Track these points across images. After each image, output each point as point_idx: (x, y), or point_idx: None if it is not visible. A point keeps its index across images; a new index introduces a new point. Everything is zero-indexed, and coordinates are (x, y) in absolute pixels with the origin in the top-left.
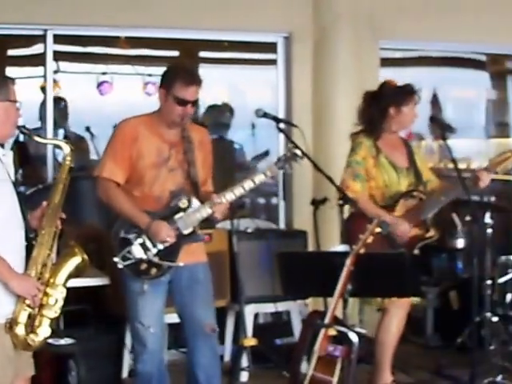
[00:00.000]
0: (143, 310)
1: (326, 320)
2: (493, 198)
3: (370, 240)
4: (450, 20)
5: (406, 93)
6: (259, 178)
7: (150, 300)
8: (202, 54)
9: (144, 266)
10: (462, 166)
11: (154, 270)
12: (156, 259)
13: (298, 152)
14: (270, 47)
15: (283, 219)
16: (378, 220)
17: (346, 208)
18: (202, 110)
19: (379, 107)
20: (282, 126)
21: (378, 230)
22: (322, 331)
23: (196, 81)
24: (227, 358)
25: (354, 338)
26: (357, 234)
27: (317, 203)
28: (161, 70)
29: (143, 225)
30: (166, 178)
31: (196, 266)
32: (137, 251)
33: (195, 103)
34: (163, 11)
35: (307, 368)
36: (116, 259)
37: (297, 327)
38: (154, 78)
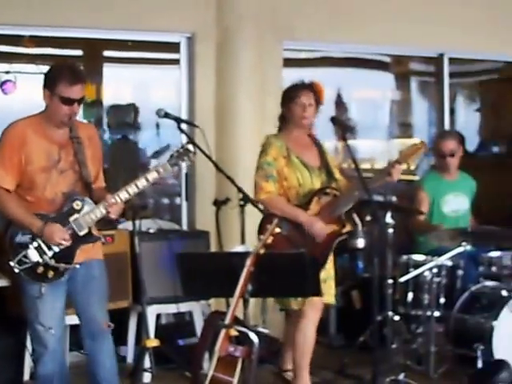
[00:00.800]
0: (43, 312)
1: (227, 320)
2: (394, 198)
3: (269, 240)
4: (353, 21)
5: (292, 90)
6: (152, 176)
7: (50, 302)
8: (107, 53)
9: (41, 270)
10: (365, 166)
11: (50, 273)
12: (52, 262)
13: (191, 148)
14: (174, 47)
15: (186, 220)
16: (278, 220)
17: (248, 208)
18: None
19: (281, 108)
20: (183, 126)
21: (278, 230)
22: (223, 331)
23: (80, 79)
24: (130, 359)
25: (254, 338)
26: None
27: (219, 204)
28: None
29: (36, 229)
30: (57, 181)
31: (91, 263)
32: (33, 255)
33: (81, 101)
34: (67, 10)
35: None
36: (12, 263)
37: (199, 328)
38: None
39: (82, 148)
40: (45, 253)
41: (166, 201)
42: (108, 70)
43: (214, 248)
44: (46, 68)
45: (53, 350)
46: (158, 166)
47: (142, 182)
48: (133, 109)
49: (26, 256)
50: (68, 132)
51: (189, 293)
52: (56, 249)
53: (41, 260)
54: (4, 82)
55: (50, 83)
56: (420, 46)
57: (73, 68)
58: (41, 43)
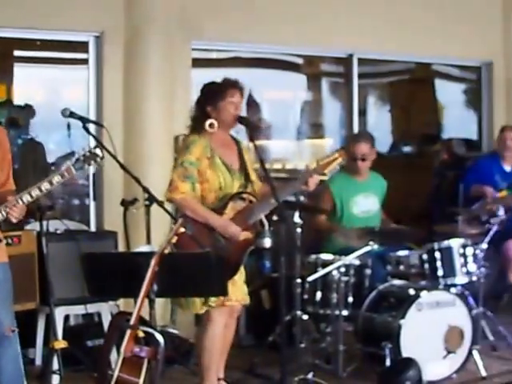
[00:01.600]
0: None
1: (132, 321)
2: (302, 198)
3: (174, 240)
4: (264, 22)
5: (221, 87)
6: (56, 179)
7: None
8: (17, 52)
9: None
10: (277, 166)
11: None
12: None
13: (99, 152)
14: (83, 46)
15: (94, 220)
16: (183, 220)
17: (154, 209)
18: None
19: (200, 107)
20: (90, 126)
21: (182, 230)
22: (128, 332)
23: None
24: (38, 361)
25: (160, 338)
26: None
27: (126, 204)
28: None
29: None
30: None
31: None
32: None
33: None
34: None
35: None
36: None
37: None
38: None
39: None
40: None
41: (76, 201)
42: (18, 69)
43: (121, 248)
44: None
45: None
46: (63, 169)
47: (45, 185)
48: (29, 110)
49: None
50: None
51: (95, 293)
52: None
53: None
54: None
55: None
56: (330, 46)
57: None
58: None
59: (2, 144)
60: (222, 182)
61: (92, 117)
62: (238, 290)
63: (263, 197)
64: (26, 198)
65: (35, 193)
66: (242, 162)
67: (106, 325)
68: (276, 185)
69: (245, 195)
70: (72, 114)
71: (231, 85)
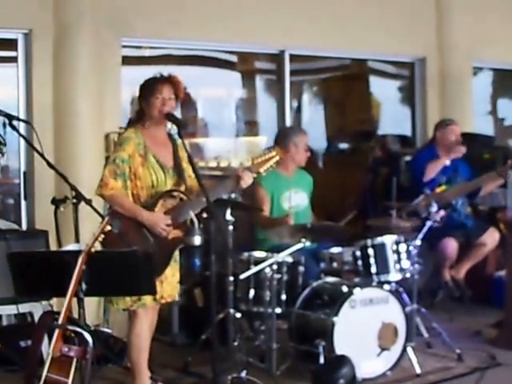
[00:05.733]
0: None
1: (60, 320)
2: (234, 195)
3: (100, 238)
4: (196, 18)
5: (151, 83)
6: None
7: None
8: None
9: None
10: (212, 164)
11: None
12: None
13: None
14: (12, 44)
15: (25, 219)
16: (109, 218)
17: (83, 207)
18: None
19: (138, 103)
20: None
21: (109, 227)
22: (56, 332)
23: None
24: None
25: (88, 338)
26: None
27: (57, 202)
28: None
29: None
30: None
31: None
32: None
33: None
34: None
35: None
36: None
37: None
38: None
39: None
40: None
41: (10, 200)
42: None
43: (53, 247)
44: None
45: None
46: None
47: None
48: None
49: None
50: None
51: (22, 293)
52: None
53: None
54: None
55: None
56: (262, 42)
57: None
58: None
59: None
60: (155, 179)
61: (22, 115)
62: (169, 285)
63: (194, 196)
64: None
65: None
66: (177, 159)
67: None
68: (209, 183)
69: (175, 193)
70: None
71: (159, 80)
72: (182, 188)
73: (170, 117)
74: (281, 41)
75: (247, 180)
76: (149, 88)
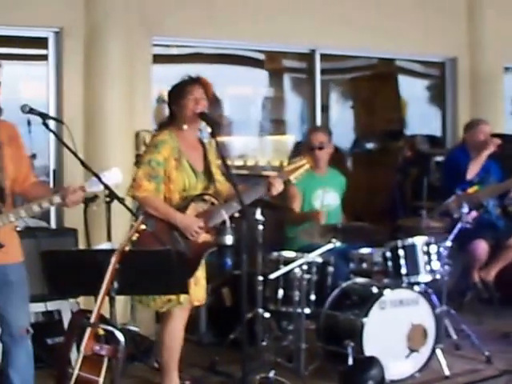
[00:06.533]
0: None
1: (92, 319)
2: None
3: (135, 237)
4: (226, 17)
5: (181, 86)
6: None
7: None
8: None
9: None
10: (238, 163)
11: None
12: None
13: None
14: (42, 42)
15: (54, 217)
16: (144, 217)
17: (115, 206)
18: None
19: (168, 108)
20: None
21: (143, 227)
22: (88, 330)
23: None
24: None
25: (120, 336)
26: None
27: (87, 201)
28: None
29: None
30: None
31: (6, 268)
32: None
33: None
34: None
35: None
36: None
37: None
38: None
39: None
40: None
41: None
42: None
43: (82, 246)
44: None
45: None
46: None
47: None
48: None
49: None
50: None
51: (55, 291)
52: None
53: None
54: None
55: None
56: (292, 42)
57: None
58: None
59: (14, 141)
60: (187, 183)
61: (52, 113)
62: (201, 289)
63: (227, 199)
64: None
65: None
66: (207, 163)
67: (66, 322)
68: (241, 187)
69: (207, 197)
70: (31, 110)
71: (189, 82)
72: (211, 192)
73: (203, 116)
74: (311, 40)
75: (278, 187)
76: (179, 91)
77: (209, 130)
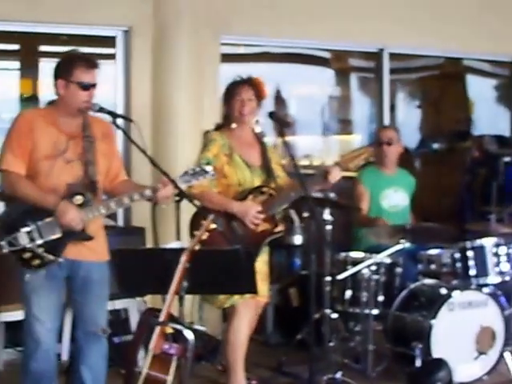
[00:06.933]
0: (37, 304)
1: (161, 318)
2: (332, 195)
3: (205, 236)
4: (292, 16)
5: (231, 86)
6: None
7: (45, 295)
8: (43, 48)
9: (27, 256)
10: (304, 162)
11: (35, 262)
12: (39, 250)
13: (209, 169)
14: (110, 41)
15: (122, 216)
16: (214, 216)
17: (183, 204)
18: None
19: (223, 105)
20: (119, 121)
21: (213, 226)
22: (157, 329)
23: (95, 64)
24: (65, 356)
25: (189, 335)
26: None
27: None
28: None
29: (52, 204)
30: (62, 170)
31: (92, 265)
32: (22, 238)
33: (95, 86)
34: (1, 3)
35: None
36: (2, 243)
37: (135, 325)
38: None
39: (92, 146)
40: (34, 240)
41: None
42: (44, 64)
43: (149, 244)
44: None
45: (46, 346)
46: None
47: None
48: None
49: (15, 238)
50: (81, 126)
51: (125, 290)
52: (47, 238)
53: (29, 245)
54: None
55: (65, 72)
56: (360, 41)
57: (85, 56)
58: None
59: (107, 138)
60: (241, 177)
61: (120, 112)
62: (266, 285)
63: (283, 190)
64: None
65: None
66: (265, 159)
67: (132, 321)
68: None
69: (265, 189)
70: (101, 109)
71: (238, 83)
72: (271, 185)
73: (273, 116)
74: (380, 39)
75: (335, 175)
76: (230, 92)
77: (277, 129)
